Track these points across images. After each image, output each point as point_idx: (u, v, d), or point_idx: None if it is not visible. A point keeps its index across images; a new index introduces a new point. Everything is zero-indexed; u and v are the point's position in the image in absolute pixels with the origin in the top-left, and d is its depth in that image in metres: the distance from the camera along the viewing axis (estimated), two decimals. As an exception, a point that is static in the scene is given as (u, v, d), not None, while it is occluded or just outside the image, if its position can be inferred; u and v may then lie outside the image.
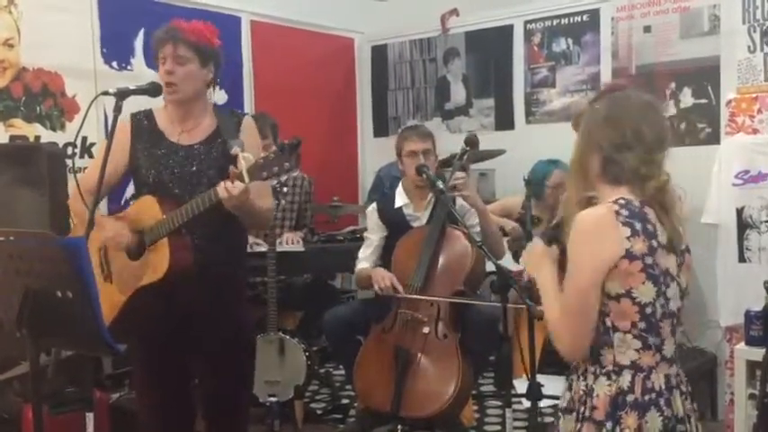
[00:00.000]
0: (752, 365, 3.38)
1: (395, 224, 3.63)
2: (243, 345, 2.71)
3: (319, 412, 3.93)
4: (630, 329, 1.71)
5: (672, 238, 1.74)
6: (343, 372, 3.94)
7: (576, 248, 1.71)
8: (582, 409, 1.77)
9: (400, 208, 3.65)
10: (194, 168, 2.52)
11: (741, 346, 3.47)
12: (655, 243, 1.70)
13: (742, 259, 3.80)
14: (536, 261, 1.89)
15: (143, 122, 2.61)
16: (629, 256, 1.67)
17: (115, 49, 4.15)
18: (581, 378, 1.80)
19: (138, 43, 4.23)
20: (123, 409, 3.51)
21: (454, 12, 5.17)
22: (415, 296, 3.33)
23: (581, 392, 1.78)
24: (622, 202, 1.72)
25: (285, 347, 3.77)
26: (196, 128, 2.58)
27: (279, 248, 3.81)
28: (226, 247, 2.57)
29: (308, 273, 4.45)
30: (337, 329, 3.58)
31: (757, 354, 3.28)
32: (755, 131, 3.83)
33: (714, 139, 4.07)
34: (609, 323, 1.72)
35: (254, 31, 4.87)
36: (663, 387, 1.73)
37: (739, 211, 3.78)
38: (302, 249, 4.03)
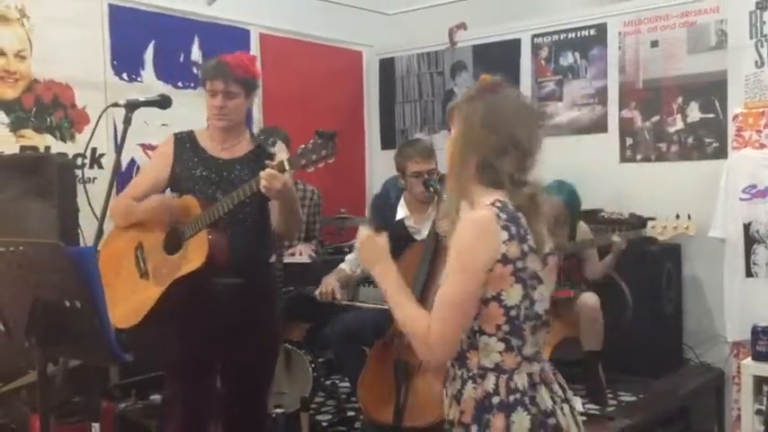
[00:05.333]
0: (759, 381, 3.37)
1: (397, 236, 3.62)
2: (271, 340, 2.95)
3: (325, 424, 3.91)
4: (496, 332, 1.72)
5: (538, 242, 1.74)
6: (348, 384, 3.93)
7: (463, 250, 1.70)
8: (451, 414, 1.81)
9: (402, 220, 3.65)
10: (233, 176, 2.68)
11: (748, 361, 3.47)
12: (526, 247, 1.70)
13: (749, 274, 3.79)
14: (377, 253, 1.92)
15: (185, 140, 2.77)
16: (504, 260, 1.67)
17: (125, 62, 4.19)
18: (451, 384, 1.83)
19: (149, 55, 4.27)
20: (129, 420, 3.52)
21: (462, 25, 5.20)
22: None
23: (451, 397, 1.82)
24: (499, 204, 1.72)
25: (291, 359, 3.77)
26: (236, 146, 2.76)
27: (285, 260, 3.82)
28: (255, 242, 2.72)
29: (314, 284, 4.44)
30: (342, 341, 3.58)
31: (764, 369, 3.28)
32: (762, 146, 3.84)
33: (721, 153, 4.07)
34: (476, 327, 1.73)
35: (263, 44, 4.90)
36: (526, 386, 1.73)
37: (746, 226, 3.78)
38: (308, 261, 4.04)
